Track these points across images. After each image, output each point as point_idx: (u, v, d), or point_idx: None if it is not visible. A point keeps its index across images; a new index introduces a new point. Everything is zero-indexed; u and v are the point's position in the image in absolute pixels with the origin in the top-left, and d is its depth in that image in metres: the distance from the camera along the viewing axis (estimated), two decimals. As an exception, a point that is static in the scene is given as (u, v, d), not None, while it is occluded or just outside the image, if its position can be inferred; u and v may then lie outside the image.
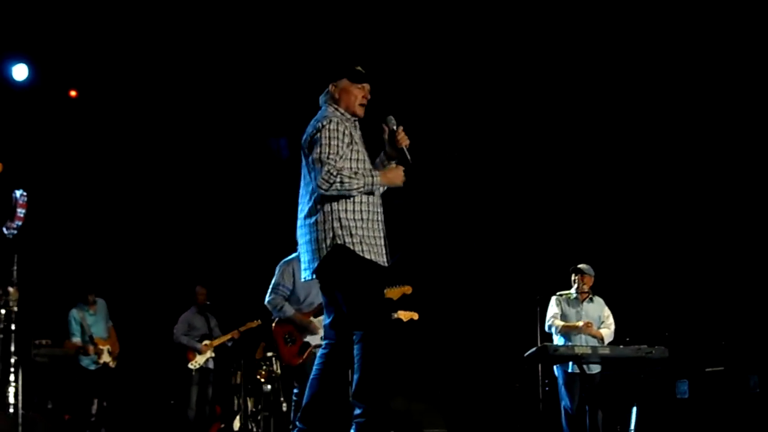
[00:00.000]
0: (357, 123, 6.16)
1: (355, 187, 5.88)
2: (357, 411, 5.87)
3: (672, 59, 12.79)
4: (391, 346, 5.89)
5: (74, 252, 14.79)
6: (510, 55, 13.52)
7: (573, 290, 10.96)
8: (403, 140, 6.18)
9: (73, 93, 14.52)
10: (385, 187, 6.16)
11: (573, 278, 10.99)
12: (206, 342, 13.06)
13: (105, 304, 13.15)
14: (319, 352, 6.18)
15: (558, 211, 14.12)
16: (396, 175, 6.11)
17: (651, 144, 13.36)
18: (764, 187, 12.47)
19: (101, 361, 12.66)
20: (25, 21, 13.08)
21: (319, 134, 5.91)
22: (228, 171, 15.75)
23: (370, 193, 6.02)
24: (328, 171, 5.82)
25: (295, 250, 8.78)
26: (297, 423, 6.10)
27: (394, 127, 6.20)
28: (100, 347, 12.66)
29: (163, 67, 14.23)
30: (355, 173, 5.90)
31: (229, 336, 13.17)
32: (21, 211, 7.29)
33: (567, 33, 13.11)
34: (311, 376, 6.11)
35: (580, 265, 11.00)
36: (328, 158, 5.84)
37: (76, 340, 12.60)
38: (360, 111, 6.18)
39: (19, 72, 13.53)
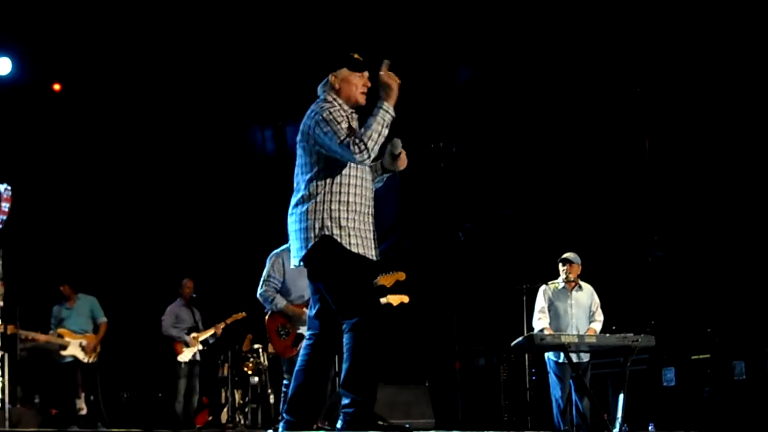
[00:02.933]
0: (355, 115, 6.13)
1: (380, 129, 5.82)
2: (345, 401, 5.84)
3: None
4: (380, 336, 5.85)
5: (59, 246, 14.78)
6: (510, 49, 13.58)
7: (560, 280, 10.96)
8: (403, 165, 6.21)
9: (57, 87, 14.49)
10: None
11: (560, 268, 10.99)
12: (194, 335, 13.04)
13: (93, 301, 13.11)
14: (304, 343, 6.15)
15: (545, 200, 14.15)
16: (393, 88, 5.94)
17: (623, 131, 13.38)
18: (743, 177, 12.50)
19: (67, 354, 12.61)
20: (7, 15, 13.04)
21: (324, 120, 5.87)
22: (213, 164, 15.74)
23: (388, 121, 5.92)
24: (355, 143, 5.75)
25: (284, 242, 8.86)
26: (284, 414, 6.07)
27: (398, 152, 6.18)
28: (67, 339, 12.61)
29: (147, 60, 14.20)
30: (367, 123, 5.84)
31: (212, 330, 13.15)
32: (5, 206, 7.28)
33: (566, 32, 13.16)
34: (296, 368, 6.07)
35: (566, 254, 11.00)
36: (347, 136, 5.79)
37: (51, 333, 12.61)
38: (362, 99, 6.14)
39: (2, 66, 13.50)
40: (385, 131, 5.87)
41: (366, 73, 6.17)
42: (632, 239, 13.19)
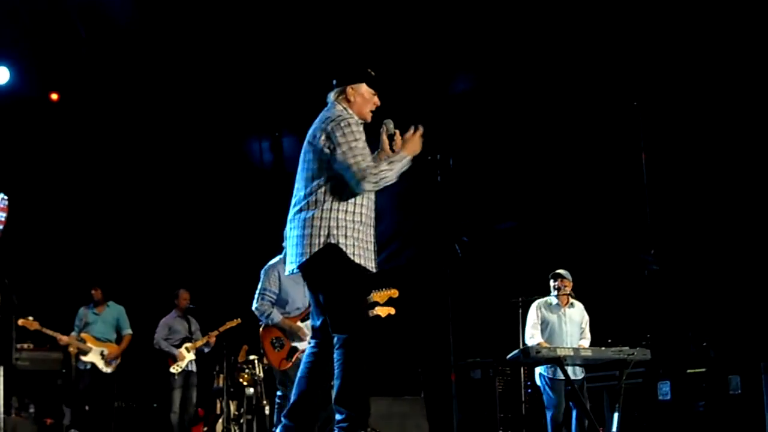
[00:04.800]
0: (362, 126, 6.17)
1: (394, 173, 5.96)
2: (339, 416, 5.86)
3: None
4: (370, 351, 5.88)
5: (57, 255, 14.78)
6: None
7: (553, 296, 10.97)
8: (399, 145, 6.21)
9: (54, 96, 14.49)
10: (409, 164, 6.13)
11: (552, 284, 11.00)
12: (187, 345, 13.01)
13: (121, 311, 13.14)
14: (307, 350, 6.19)
15: (543, 214, 14.16)
16: (414, 142, 6.12)
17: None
18: (739, 192, 12.52)
19: (86, 360, 12.60)
20: (5, 24, 13.05)
21: (343, 133, 5.92)
22: (209, 174, 15.74)
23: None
24: (367, 169, 5.85)
25: (279, 253, 8.84)
26: (284, 419, 6.09)
27: (392, 132, 6.26)
28: (89, 345, 12.61)
29: (145, 70, 14.21)
30: (390, 161, 5.99)
31: (205, 339, 13.13)
32: (2, 215, 7.27)
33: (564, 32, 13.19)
34: (299, 375, 6.10)
35: (558, 270, 11.02)
36: (363, 159, 5.88)
37: (72, 335, 12.58)
38: (369, 117, 6.23)
39: (1, 75, 13.50)
40: (395, 179, 6.00)
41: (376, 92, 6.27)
42: (628, 253, 13.20)
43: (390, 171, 5.92)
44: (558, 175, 14.06)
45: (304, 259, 5.93)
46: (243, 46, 13.97)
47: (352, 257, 5.90)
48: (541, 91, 13.76)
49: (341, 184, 5.94)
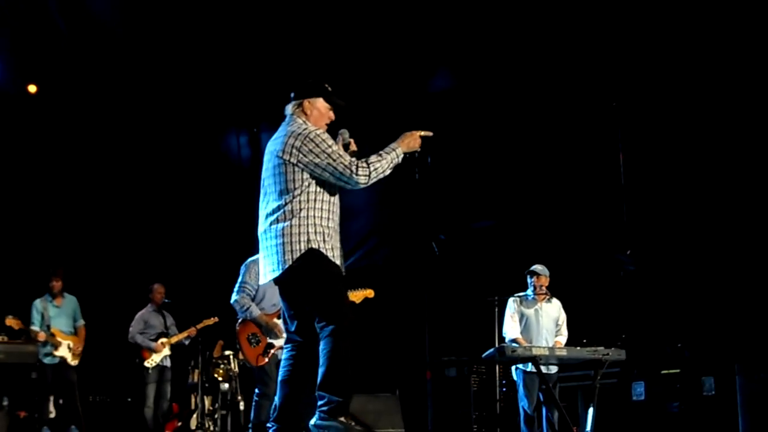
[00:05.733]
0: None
1: (386, 165, 6.18)
2: (321, 401, 6.02)
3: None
4: (355, 342, 6.05)
5: (30, 247, 14.71)
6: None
7: (529, 291, 11.01)
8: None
9: (32, 88, 14.42)
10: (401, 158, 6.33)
11: (528, 280, 11.04)
12: (162, 340, 12.97)
13: (75, 301, 13.08)
14: (285, 355, 6.32)
15: (519, 213, 14.20)
16: (412, 138, 6.37)
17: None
18: (716, 194, 12.57)
19: (57, 354, 12.55)
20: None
21: (315, 144, 6.10)
22: (186, 169, 15.70)
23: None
24: (355, 165, 6.08)
25: (256, 250, 8.86)
26: (272, 423, 6.24)
27: (347, 141, 6.49)
28: (59, 339, 12.57)
29: (123, 64, 14.16)
30: (379, 154, 6.19)
31: (185, 334, 13.09)
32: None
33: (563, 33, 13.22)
34: (280, 378, 6.25)
35: (534, 267, 11.06)
36: (343, 156, 6.10)
37: (35, 328, 12.50)
38: (324, 129, 6.37)
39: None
40: (389, 172, 6.21)
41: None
42: (605, 253, 13.24)
43: (380, 161, 6.13)
44: (536, 175, 14.09)
45: (286, 266, 6.09)
46: (222, 41, 13.94)
47: (333, 259, 6.12)
48: (521, 90, 13.79)
49: (316, 192, 6.16)
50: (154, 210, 15.73)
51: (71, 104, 14.80)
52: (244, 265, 9.20)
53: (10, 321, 12.09)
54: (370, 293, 9.53)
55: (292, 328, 6.28)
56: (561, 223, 13.78)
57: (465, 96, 14.20)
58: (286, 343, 6.36)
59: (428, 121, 13.72)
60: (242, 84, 14.68)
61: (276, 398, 6.30)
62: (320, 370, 6.02)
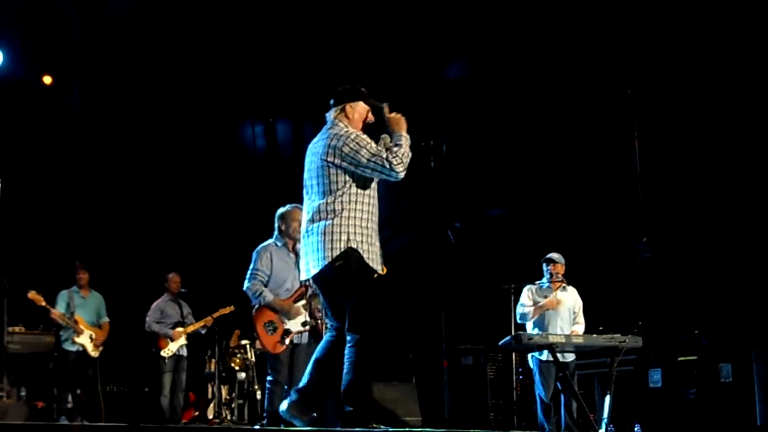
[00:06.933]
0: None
1: (407, 148, 6.58)
2: (347, 408, 6.32)
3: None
4: (377, 352, 6.40)
5: (49, 240, 14.75)
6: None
7: (545, 280, 10.98)
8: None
9: (47, 79, 14.45)
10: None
11: (544, 268, 11.01)
12: (179, 329, 12.98)
13: (102, 299, 13.17)
14: (326, 337, 6.71)
15: (535, 200, 14.17)
16: (397, 120, 6.75)
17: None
18: (732, 181, 12.53)
19: (78, 341, 12.59)
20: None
21: (356, 143, 6.49)
22: (202, 159, 15.72)
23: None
24: (389, 160, 6.44)
25: (270, 236, 8.90)
26: (293, 393, 6.54)
27: (389, 146, 6.69)
28: (81, 327, 12.62)
29: (139, 55, 14.18)
30: (395, 144, 6.60)
31: (202, 323, 13.10)
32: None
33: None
34: (315, 356, 6.60)
35: (550, 254, 11.03)
36: (381, 153, 6.47)
37: (57, 310, 12.54)
38: (362, 129, 6.76)
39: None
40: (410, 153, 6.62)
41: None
42: (621, 240, 13.20)
43: (402, 148, 6.53)
44: (551, 162, 14.06)
45: (326, 262, 6.42)
46: (237, 32, 13.95)
47: (368, 261, 6.44)
48: (535, 78, 13.76)
49: (357, 193, 6.55)
50: (171, 200, 15.76)
51: (87, 96, 14.83)
52: (255, 251, 9.19)
53: (33, 295, 12.15)
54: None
55: (332, 318, 6.61)
56: (577, 211, 13.75)
57: (480, 84, 14.18)
58: (328, 328, 6.71)
59: (443, 109, 13.80)
60: (257, 75, 14.69)
61: (306, 372, 6.57)
62: (344, 377, 6.34)
